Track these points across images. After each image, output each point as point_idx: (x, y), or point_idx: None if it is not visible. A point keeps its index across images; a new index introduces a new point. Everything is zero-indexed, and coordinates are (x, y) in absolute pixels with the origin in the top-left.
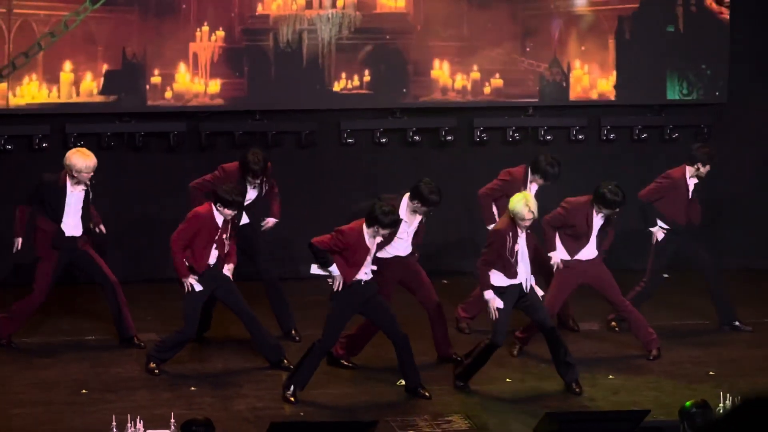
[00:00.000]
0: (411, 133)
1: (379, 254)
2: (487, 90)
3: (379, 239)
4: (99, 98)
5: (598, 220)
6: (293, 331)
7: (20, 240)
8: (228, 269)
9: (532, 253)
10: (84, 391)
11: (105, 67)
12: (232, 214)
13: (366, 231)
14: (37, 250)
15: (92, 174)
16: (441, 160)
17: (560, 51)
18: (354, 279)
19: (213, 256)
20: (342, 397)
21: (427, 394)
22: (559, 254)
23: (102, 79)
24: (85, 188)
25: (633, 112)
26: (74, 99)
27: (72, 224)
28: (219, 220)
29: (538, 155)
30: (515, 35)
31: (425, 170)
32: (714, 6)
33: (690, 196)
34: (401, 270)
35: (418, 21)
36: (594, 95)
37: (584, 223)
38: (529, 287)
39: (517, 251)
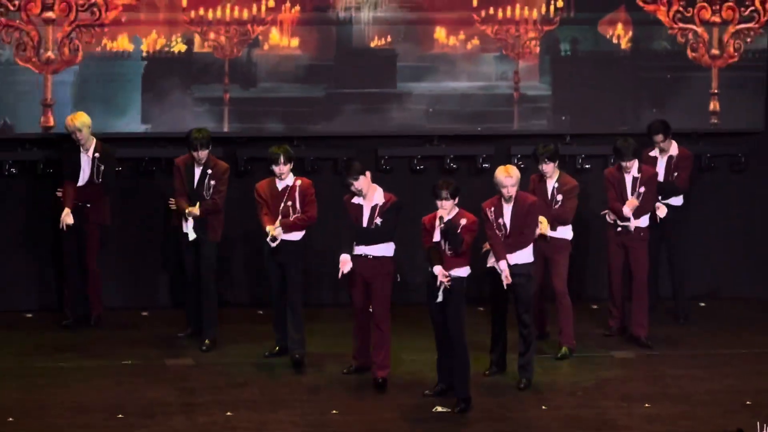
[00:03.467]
0: (448, 160)
1: None
2: (469, 46)
3: None
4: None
5: None
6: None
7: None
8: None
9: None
10: (120, 415)
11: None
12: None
13: None
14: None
15: (78, 132)
16: (478, 187)
17: None
18: None
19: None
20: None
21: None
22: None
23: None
24: (91, 154)
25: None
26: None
27: (81, 187)
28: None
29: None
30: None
31: (463, 197)
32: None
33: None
34: None
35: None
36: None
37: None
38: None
39: (504, 225)
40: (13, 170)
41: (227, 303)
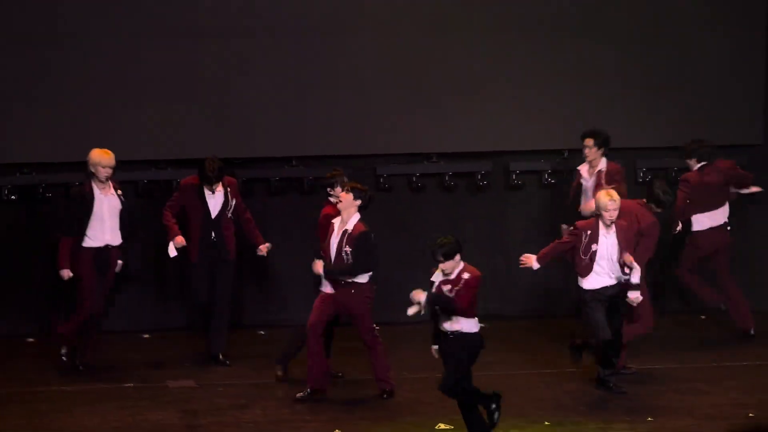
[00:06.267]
0: (447, 178)
1: None
2: None
3: None
4: None
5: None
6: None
7: (67, 271)
8: None
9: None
10: None
11: None
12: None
13: None
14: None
15: (110, 172)
16: (477, 204)
17: None
18: None
19: None
20: None
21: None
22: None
23: None
24: (116, 196)
25: (669, 154)
26: None
27: (108, 232)
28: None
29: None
30: None
31: (462, 214)
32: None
33: None
34: None
35: None
36: None
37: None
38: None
39: (594, 251)
40: (12, 197)
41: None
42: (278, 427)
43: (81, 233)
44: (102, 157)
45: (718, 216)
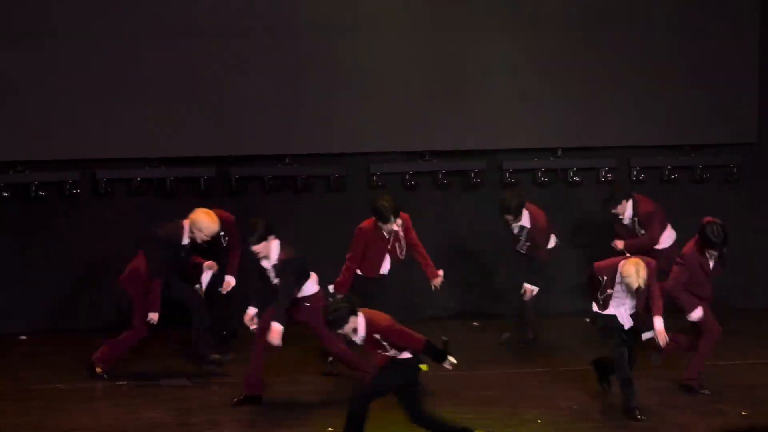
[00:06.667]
0: (441, 176)
1: None
2: None
3: None
4: None
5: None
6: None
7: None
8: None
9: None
10: None
11: None
12: None
13: None
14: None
15: (208, 239)
16: (471, 202)
17: None
18: None
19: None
20: None
21: None
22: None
23: None
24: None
25: (663, 152)
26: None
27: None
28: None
29: (703, 226)
30: None
31: (455, 212)
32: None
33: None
34: None
35: None
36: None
37: (701, 270)
38: (629, 325)
39: (609, 294)
40: (5, 194)
41: None
42: (271, 425)
43: (169, 275)
44: (209, 226)
45: (672, 231)
